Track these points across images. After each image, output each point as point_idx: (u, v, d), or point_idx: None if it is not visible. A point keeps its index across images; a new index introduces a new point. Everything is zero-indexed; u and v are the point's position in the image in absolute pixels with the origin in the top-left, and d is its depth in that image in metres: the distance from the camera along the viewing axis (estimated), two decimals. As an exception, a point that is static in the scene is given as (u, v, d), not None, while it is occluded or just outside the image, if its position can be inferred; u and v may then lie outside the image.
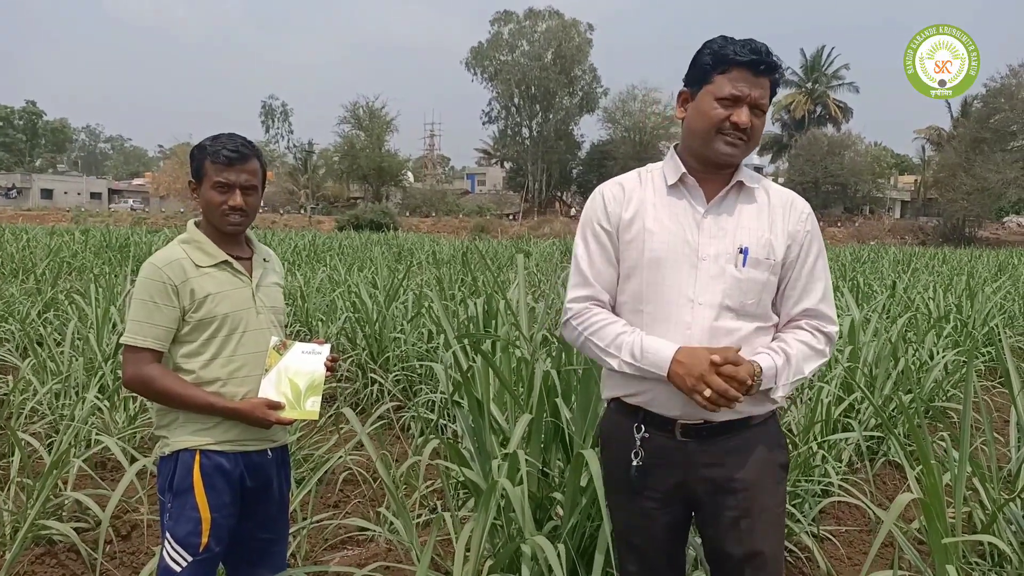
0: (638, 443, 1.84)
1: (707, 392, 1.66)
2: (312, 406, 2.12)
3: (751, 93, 1.76)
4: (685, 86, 1.87)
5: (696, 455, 1.81)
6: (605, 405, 2.01)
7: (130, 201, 66.10)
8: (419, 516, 3.46)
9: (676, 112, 1.90)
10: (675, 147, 1.91)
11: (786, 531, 3.29)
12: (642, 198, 1.87)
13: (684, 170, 1.84)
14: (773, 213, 1.84)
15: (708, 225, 1.81)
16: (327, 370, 2.16)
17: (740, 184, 1.84)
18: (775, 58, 1.78)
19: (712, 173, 1.84)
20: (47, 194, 66.95)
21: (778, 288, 1.86)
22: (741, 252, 1.79)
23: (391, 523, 3.09)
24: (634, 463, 1.84)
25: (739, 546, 1.80)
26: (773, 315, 1.86)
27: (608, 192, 1.91)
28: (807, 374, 1.82)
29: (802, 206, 1.88)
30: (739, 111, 1.76)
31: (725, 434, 1.80)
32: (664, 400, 1.79)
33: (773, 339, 1.85)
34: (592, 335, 1.85)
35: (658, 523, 1.89)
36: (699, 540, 2.33)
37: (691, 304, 1.78)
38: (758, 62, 1.75)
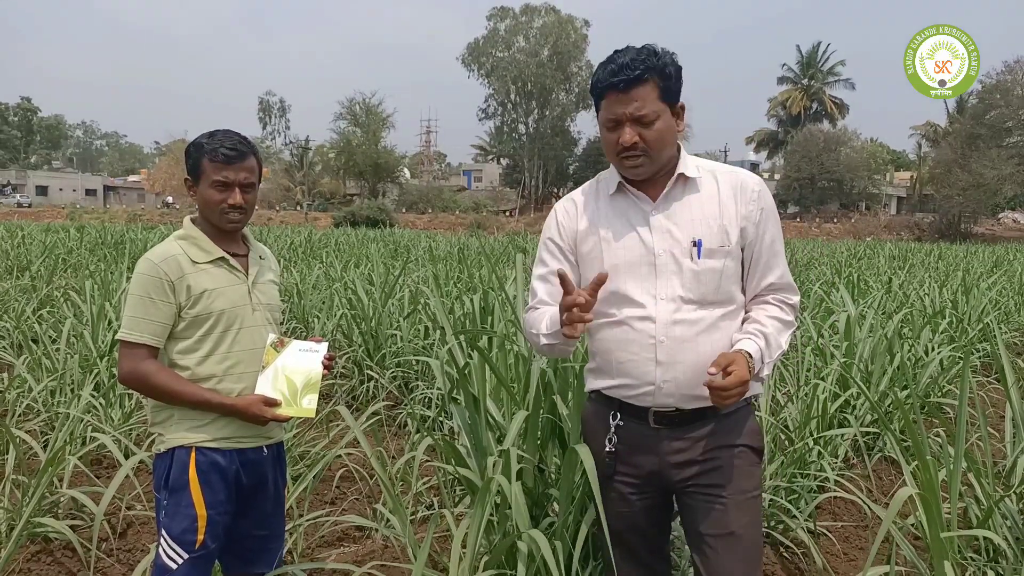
0: (612, 429, 1.92)
1: (728, 401, 1.72)
2: (309, 404, 2.12)
3: (624, 111, 1.77)
4: None
5: (669, 441, 1.87)
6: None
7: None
8: (416, 513, 3.46)
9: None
10: None
11: (783, 526, 3.31)
12: (595, 209, 1.94)
13: (620, 178, 1.90)
14: (723, 198, 1.85)
15: (659, 222, 1.85)
16: (324, 368, 2.17)
17: (683, 176, 1.86)
18: (641, 64, 1.73)
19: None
20: (42, 191, 66.74)
21: (742, 267, 1.89)
22: (695, 245, 1.82)
23: (388, 520, 3.09)
24: (607, 448, 1.93)
25: (715, 528, 1.85)
26: (738, 296, 1.89)
27: (561, 208, 2.02)
28: (785, 347, 1.87)
29: (752, 184, 1.88)
30: (621, 132, 1.78)
31: (698, 421, 1.86)
32: (638, 393, 1.86)
33: (745, 320, 1.89)
34: (529, 328, 1.96)
35: (636, 509, 1.96)
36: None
37: (654, 300, 1.83)
38: (616, 83, 1.74)
